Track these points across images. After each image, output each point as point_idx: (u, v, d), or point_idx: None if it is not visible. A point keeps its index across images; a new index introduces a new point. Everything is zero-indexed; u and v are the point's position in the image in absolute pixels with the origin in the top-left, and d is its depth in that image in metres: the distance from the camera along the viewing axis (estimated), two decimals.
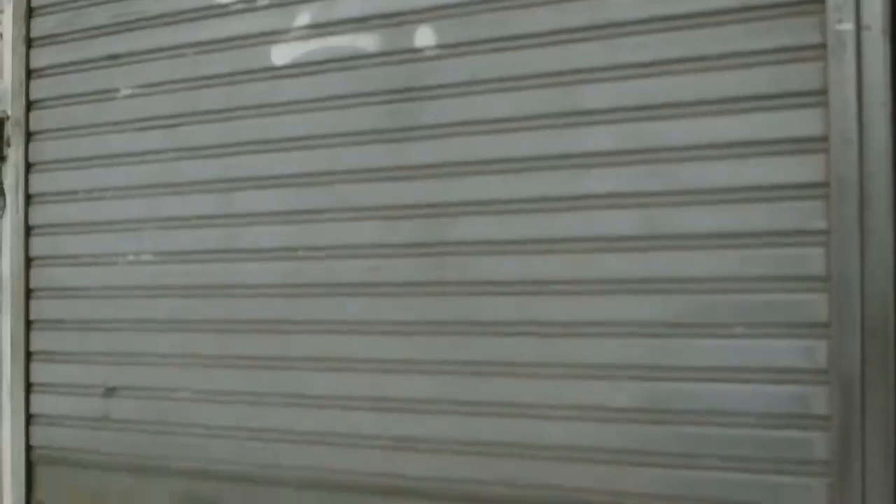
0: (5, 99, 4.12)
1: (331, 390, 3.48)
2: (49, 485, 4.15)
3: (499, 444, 3.21)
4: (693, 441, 2.95)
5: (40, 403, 4.16)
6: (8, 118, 4.13)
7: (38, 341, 4.15)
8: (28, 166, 4.16)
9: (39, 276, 4.14)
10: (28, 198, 4.16)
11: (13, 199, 4.17)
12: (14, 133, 4.16)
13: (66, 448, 4.09)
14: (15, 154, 4.15)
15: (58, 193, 4.08)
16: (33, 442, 4.18)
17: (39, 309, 4.14)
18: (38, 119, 4.12)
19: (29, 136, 4.15)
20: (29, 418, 4.18)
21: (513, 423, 3.18)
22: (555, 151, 3.12)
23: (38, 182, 4.14)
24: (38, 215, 4.14)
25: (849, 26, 2.67)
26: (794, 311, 2.83)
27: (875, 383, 2.69)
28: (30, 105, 4.14)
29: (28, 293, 4.16)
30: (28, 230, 4.16)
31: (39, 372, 4.15)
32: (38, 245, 4.14)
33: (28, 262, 4.16)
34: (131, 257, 3.90)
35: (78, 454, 4.05)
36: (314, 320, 3.51)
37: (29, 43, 4.12)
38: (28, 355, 4.16)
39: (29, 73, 4.14)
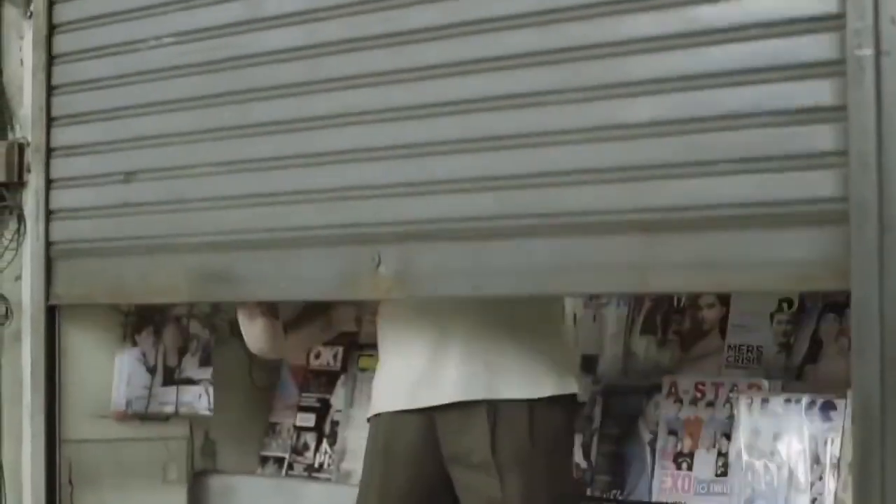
0: None
1: (349, 144, 3.50)
2: (67, 277, 4.19)
3: (516, 177, 3.23)
4: (708, 148, 2.97)
5: (60, 198, 4.21)
6: None
7: (59, 137, 4.21)
8: None
9: (61, 73, 4.21)
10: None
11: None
12: None
13: (85, 239, 4.14)
14: None
15: None
16: (52, 238, 4.23)
17: (60, 104, 4.20)
18: None
19: None
20: (49, 214, 4.23)
21: (530, 153, 3.20)
22: None
23: None
24: (61, 14, 4.22)
25: (868, 51, 2.68)
26: (807, 5, 2.86)
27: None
28: None
29: (49, 90, 4.22)
30: (52, 29, 4.23)
31: (59, 167, 4.21)
32: (62, 42, 4.21)
33: (50, 59, 4.22)
34: (153, 42, 3.96)
35: (96, 244, 4.10)
36: (333, 78, 3.55)
37: None
38: (49, 151, 4.22)
39: None
